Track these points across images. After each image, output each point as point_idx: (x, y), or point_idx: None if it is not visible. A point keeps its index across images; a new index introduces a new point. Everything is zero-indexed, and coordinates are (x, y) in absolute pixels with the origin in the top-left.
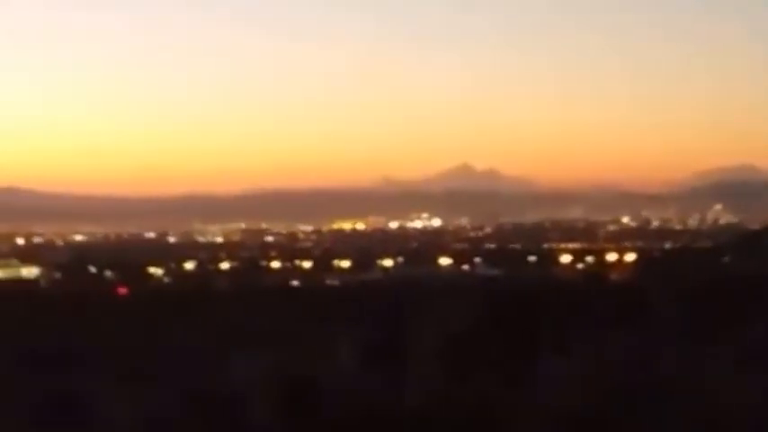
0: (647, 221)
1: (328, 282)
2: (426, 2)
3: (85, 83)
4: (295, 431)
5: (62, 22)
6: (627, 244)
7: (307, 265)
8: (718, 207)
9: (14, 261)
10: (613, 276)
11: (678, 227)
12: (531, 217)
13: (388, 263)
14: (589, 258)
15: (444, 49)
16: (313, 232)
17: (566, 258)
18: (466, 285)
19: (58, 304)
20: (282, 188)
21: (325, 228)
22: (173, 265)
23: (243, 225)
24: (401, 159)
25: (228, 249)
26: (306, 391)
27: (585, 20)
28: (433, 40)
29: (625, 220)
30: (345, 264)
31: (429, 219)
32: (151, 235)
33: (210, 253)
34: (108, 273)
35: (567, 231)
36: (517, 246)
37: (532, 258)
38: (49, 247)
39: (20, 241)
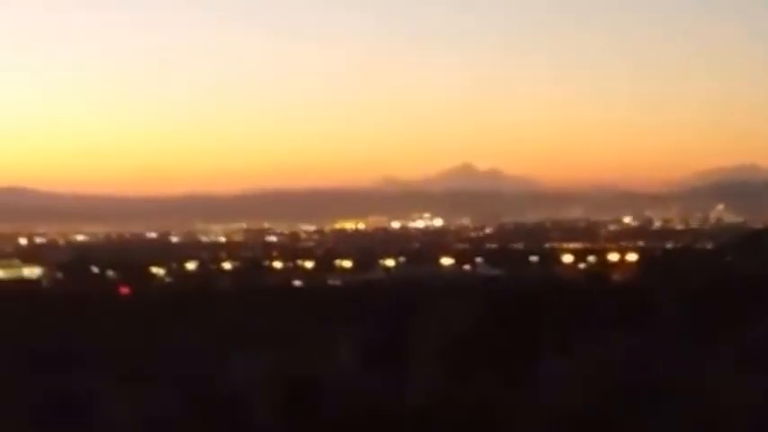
0: (649, 221)
1: (330, 282)
2: (427, 2)
3: (86, 83)
4: (295, 431)
5: (62, 22)
6: (628, 244)
7: (309, 264)
8: (720, 207)
9: (16, 261)
10: (615, 276)
11: (680, 227)
12: (532, 217)
13: (389, 263)
14: (591, 258)
15: (445, 48)
16: (315, 232)
17: (567, 258)
18: (467, 285)
19: (60, 304)
20: (284, 188)
21: (327, 228)
22: (174, 265)
23: (245, 225)
24: (403, 159)
25: (230, 249)
26: (306, 391)
27: (587, 20)
28: (434, 39)
29: (627, 219)
30: (347, 264)
31: (431, 219)
32: (153, 235)
33: (212, 253)
34: (110, 273)
35: (569, 231)
36: (519, 246)
37: (534, 258)
38: (51, 247)
39: (22, 241)
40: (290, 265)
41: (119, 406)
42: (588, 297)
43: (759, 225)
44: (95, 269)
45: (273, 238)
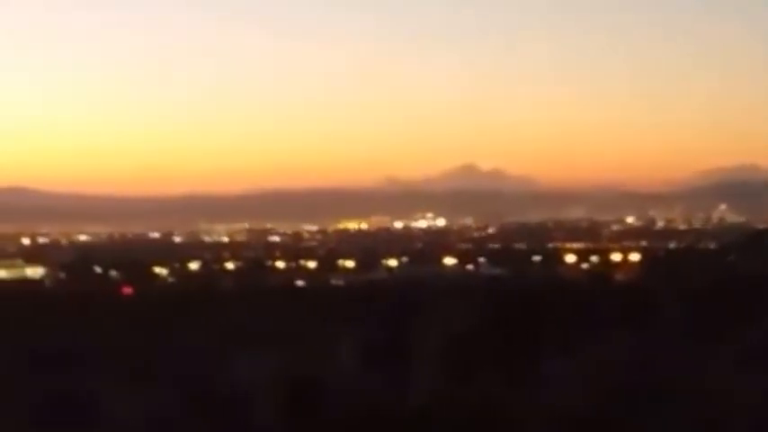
0: (652, 221)
1: (333, 282)
2: (427, 2)
3: (86, 83)
4: (298, 431)
5: (62, 22)
6: (631, 244)
7: (311, 264)
8: (723, 207)
9: (19, 261)
10: (618, 276)
11: (683, 226)
12: (535, 217)
13: (392, 263)
14: (594, 258)
15: (447, 48)
16: (318, 232)
17: (570, 258)
18: (470, 285)
19: (63, 304)
20: (286, 188)
21: (329, 228)
22: (177, 266)
23: (247, 225)
24: (405, 159)
25: (233, 249)
26: (309, 391)
27: (588, 20)
28: (435, 39)
29: (629, 219)
30: (350, 264)
31: (433, 218)
32: (156, 235)
33: (215, 253)
34: (113, 273)
35: (572, 231)
36: (521, 245)
37: (537, 258)
38: (54, 247)
39: (25, 241)
40: (293, 265)
41: (120, 406)
42: (591, 297)
43: (761, 225)
44: (98, 269)
45: (276, 238)
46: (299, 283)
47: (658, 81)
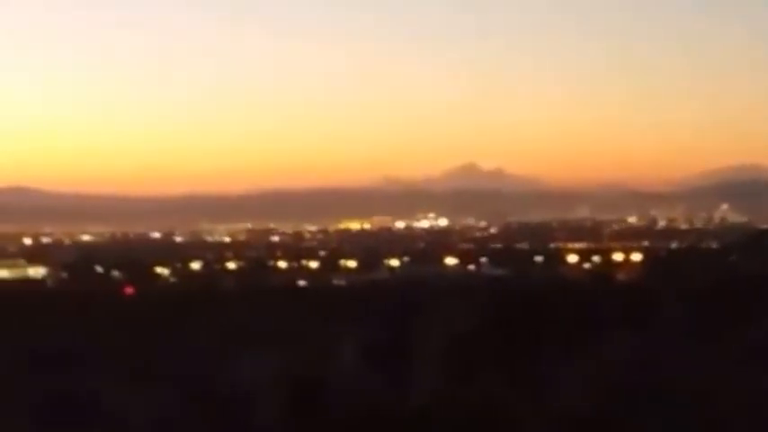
0: (654, 221)
1: (335, 281)
2: (427, 2)
3: (86, 83)
4: (300, 431)
5: (62, 22)
6: (633, 244)
7: (313, 264)
8: (725, 206)
9: (21, 261)
10: (620, 276)
11: (684, 226)
12: (537, 216)
13: (394, 263)
14: (596, 258)
15: (448, 48)
16: (319, 232)
17: (572, 258)
18: (472, 285)
19: (64, 304)
20: (287, 188)
21: (331, 228)
22: (179, 265)
23: (249, 225)
24: (407, 159)
25: (235, 249)
26: (310, 391)
27: (590, 20)
28: (436, 39)
29: (632, 219)
30: (352, 264)
31: (435, 218)
32: (157, 235)
33: (217, 253)
34: (115, 272)
35: (574, 231)
36: (523, 245)
37: (539, 258)
38: (55, 246)
39: (27, 241)
40: (295, 264)
41: (121, 407)
42: (593, 297)
43: (763, 225)
44: (100, 269)
45: (277, 238)
46: (301, 283)
47: (661, 80)
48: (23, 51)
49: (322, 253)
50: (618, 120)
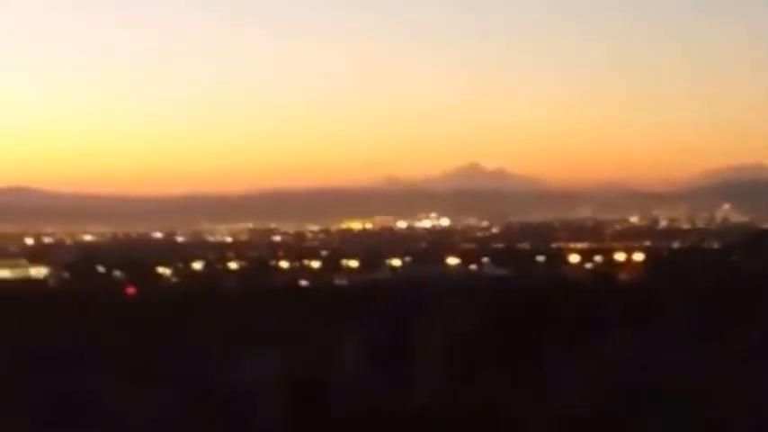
0: (656, 221)
1: (337, 281)
2: (427, 1)
3: (86, 83)
4: (302, 431)
5: (62, 22)
6: (635, 243)
7: (315, 264)
8: (726, 206)
9: (23, 261)
10: (622, 276)
11: (686, 226)
12: (539, 216)
13: (396, 262)
14: (597, 258)
15: (449, 48)
16: (321, 232)
17: (574, 258)
18: (474, 285)
19: (66, 304)
20: (288, 188)
21: (333, 227)
22: (181, 265)
23: (251, 225)
24: (409, 159)
25: (236, 249)
26: (312, 391)
27: (591, 19)
28: (436, 39)
29: (633, 219)
30: (354, 263)
31: (437, 218)
32: (159, 235)
33: (218, 253)
34: (116, 273)
35: (576, 231)
36: (525, 245)
37: (541, 258)
38: (57, 246)
39: (29, 241)
40: (297, 264)
41: (121, 407)
42: (595, 297)
43: (765, 224)
44: (101, 269)
45: (279, 238)
46: (303, 283)
47: (662, 80)
48: (23, 51)
49: (324, 253)
50: (619, 120)
